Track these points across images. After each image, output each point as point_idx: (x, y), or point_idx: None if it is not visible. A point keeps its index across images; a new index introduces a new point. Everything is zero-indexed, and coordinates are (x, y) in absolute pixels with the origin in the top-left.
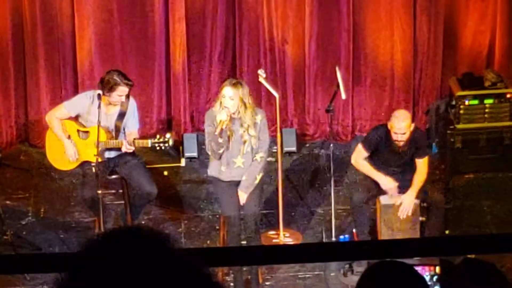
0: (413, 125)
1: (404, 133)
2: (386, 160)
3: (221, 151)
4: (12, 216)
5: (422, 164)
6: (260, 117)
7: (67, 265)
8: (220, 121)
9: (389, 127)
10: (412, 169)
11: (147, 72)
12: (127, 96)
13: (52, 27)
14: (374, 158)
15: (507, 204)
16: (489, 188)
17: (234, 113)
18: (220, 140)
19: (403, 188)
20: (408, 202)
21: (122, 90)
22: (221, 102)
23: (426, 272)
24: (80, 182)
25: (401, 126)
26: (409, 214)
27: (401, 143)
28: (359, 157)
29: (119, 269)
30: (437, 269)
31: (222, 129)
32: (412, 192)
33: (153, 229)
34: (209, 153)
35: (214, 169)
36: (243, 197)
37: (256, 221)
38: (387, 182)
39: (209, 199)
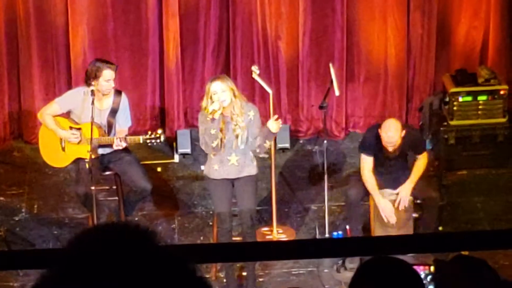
0: (403, 132)
1: (393, 144)
2: (379, 162)
3: (214, 144)
4: (6, 212)
5: (421, 158)
6: (253, 113)
7: (51, 261)
8: (213, 110)
9: (380, 133)
10: (406, 171)
11: (141, 68)
12: (119, 92)
13: (45, 23)
14: None
15: (500, 200)
16: (482, 185)
17: (227, 107)
18: (213, 132)
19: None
20: (404, 194)
21: (107, 74)
22: (212, 101)
23: (420, 272)
24: (73, 179)
25: (391, 140)
26: (406, 205)
27: (392, 149)
28: (366, 168)
29: (103, 265)
30: (432, 268)
31: (214, 118)
32: (409, 184)
33: (139, 225)
34: (202, 147)
35: (207, 168)
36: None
37: (252, 217)
38: (384, 205)
39: (202, 195)
